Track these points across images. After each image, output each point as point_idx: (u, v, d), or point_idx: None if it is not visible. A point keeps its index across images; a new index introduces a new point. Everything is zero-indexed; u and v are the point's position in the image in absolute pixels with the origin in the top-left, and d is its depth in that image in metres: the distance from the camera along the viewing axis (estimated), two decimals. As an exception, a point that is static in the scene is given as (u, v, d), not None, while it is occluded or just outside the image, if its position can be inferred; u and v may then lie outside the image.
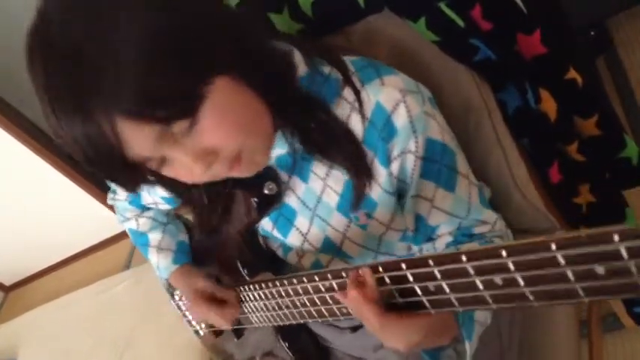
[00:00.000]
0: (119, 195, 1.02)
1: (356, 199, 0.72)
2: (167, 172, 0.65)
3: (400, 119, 0.67)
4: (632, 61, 1.70)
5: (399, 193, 0.74)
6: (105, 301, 2.26)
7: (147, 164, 0.62)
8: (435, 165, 0.71)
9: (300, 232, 0.79)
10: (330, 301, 0.69)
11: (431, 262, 0.52)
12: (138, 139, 0.57)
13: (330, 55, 0.72)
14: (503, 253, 0.45)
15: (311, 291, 0.70)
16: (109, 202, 1.06)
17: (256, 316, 0.89)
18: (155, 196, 0.95)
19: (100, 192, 2.53)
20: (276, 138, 0.70)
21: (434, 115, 0.71)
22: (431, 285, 0.54)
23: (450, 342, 0.69)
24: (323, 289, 0.68)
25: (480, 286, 0.49)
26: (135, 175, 0.63)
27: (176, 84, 0.55)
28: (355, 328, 0.92)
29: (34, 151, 2.34)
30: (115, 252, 2.67)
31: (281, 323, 0.84)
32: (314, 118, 0.68)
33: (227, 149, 0.63)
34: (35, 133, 2.41)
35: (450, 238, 0.77)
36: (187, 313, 1.12)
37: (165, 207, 0.98)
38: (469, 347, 0.69)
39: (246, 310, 0.91)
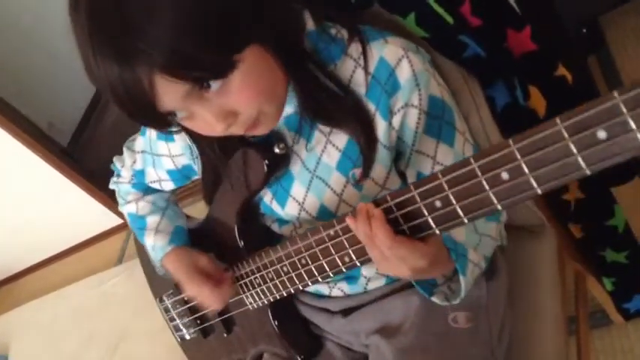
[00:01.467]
0: (123, 177, 1.03)
1: (365, 161, 0.74)
2: (190, 125, 0.70)
3: (404, 73, 0.71)
4: (623, 59, 1.70)
5: (397, 150, 0.76)
6: (97, 296, 2.26)
7: (172, 115, 0.67)
8: (436, 121, 0.74)
9: (297, 201, 0.82)
10: (333, 251, 0.72)
11: (440, 175, 0.56)
12: (169, 93, 0.62)
13: (338, 14, 0.75)
14: (510, 142, 0.48)
15: (314, 245, 0.74)
16: (112, 185, 1.06)
17: (252, 294, 0.91)
18: (161, 171, 0.96)
19: (93, 187, 2.52)
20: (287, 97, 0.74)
21: (434, 73, 0.75)
22: (437, 200, 0.57)
23: (442, 275, 0.73)
24: (327, 240, 0.71)
25: (486, 186, 0.52)
26: (161, 121, 0.68)
27: (215, 50, 0.61)
28: (346, 312, 0.92)
29: (27, 145, 2.32)
30: (107, 247, 2.67)
31: (277, 295, 0.86)
32: (317, 79, 0.72)
33: (247, 112, 0.68)
34: (28, 127, 2.40)
35: None
36: (175, 316, 1.11)
37: (169, 185, 0.99)
38: (464, 281, 0.71)
39: (241, 291, 0.92)
